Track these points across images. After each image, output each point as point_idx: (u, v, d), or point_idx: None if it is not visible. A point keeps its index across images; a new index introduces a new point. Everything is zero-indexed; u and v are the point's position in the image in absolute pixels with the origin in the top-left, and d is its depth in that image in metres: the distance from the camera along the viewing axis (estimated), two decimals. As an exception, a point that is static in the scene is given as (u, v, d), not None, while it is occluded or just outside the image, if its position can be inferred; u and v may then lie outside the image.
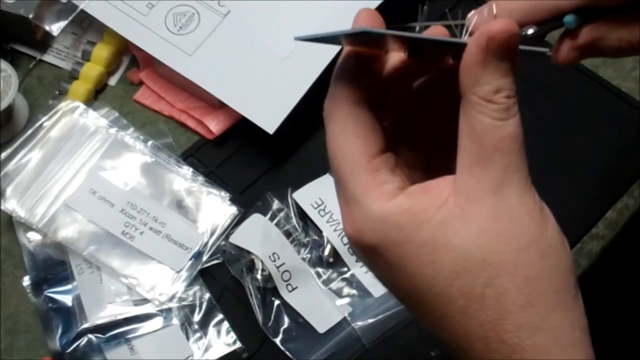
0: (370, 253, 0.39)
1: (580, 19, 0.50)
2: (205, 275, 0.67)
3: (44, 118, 0.73)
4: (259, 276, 0.65)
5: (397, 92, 0.42)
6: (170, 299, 0.66)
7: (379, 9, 0.74)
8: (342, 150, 0.38)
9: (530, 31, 0.48)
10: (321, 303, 0.66)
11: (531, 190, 0.37)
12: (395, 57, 0.41)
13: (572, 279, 0.38)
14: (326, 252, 0.67)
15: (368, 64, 0.40)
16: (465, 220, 0.36)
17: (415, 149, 0.43)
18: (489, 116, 0.36)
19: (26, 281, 0.68)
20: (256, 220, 0.68)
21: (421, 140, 0.43)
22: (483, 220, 0.36)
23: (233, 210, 0.69)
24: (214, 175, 0.72)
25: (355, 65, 0.40)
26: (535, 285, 0.36)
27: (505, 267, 0.36)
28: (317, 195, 0.68)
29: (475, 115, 0.37)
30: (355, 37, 0.39)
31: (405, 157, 0.42)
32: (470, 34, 0.42)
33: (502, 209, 0.36)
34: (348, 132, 0.38)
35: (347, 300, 0.66)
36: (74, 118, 0.73)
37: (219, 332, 0.65)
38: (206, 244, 0.68)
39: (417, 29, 0.42)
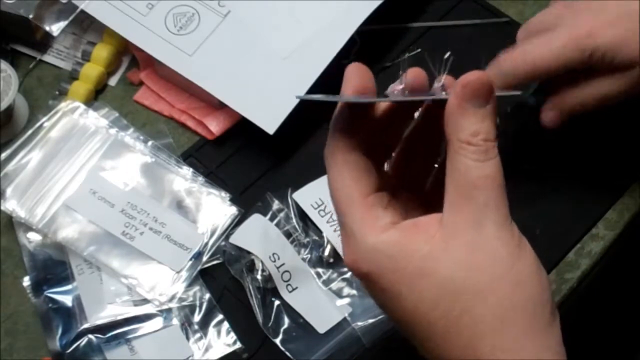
0: (366, 279, 0.43)
1: (541, 96, 0.58)
2: (205, 276, 0.67)
3: (44, 118, 0.73)
4: (259, 276, 0.65)
5: (392, 136, 0.48)
6: (171, 300, 0.66)
7: (379, 8, 0.74)
8: (340, 191, 0.44)
9: None
10: (321, 303, 0.66)
11: (510, 226, 0.42)
12: (384, 104, 0.47)
13: (547, 308, 0.41)
14: (326, 253, 0.67)
15: (361, 114, 0.45)
16: (448, 253, 0.41)
17: (414, 188, 0.48)
18: (469, 158, 0.41)
19: (26, 281, 0.68)
20: (256, 220, 0.68)
21: (417, 180, 0.49)
22: (463, 253, 0.41)
23: (233, 210, 0.69)
24: (214, 176, 0.72)
25: (349, 115, 0.45)
26: (509, 311, 0.40)
27: (480, 295, 0.40)
28: (317, 196, 0.68)
29: (457, 157, 0.42)
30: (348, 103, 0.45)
31: (406, 195, 0.47)
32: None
33: (480, 242, 0.41)
34: (344, 175, 0.44)
35: (347, 300, 0.66)
36: (74, 118, 0.73)
37: (219, 333, 0.65)
38: (206, 244, 0.68)
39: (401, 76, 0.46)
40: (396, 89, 0.46)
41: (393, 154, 0.49)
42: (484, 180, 0.41)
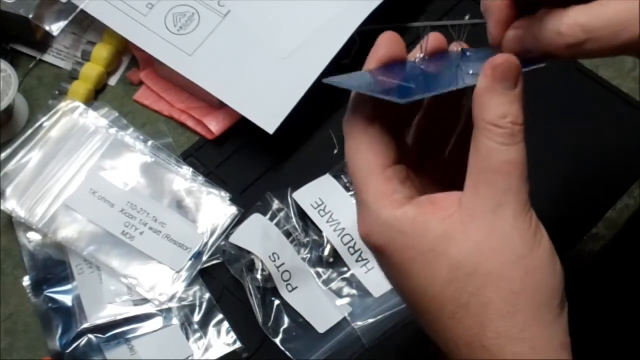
0: (378, 253, 0.43)
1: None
2: (205, 276, 0.67)
3: (44, 118, 0.73)
4: (259, 276, 0.65)
5: (413, 105, 0.46)
6: (171, 299, 0.66)
7: (379, 8, 0.74)
8: (358, 162, 0.43)
9: None
10: (321, 303, 0.66)
11: (528, 214, 0.41)
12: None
13: (557, 299, 0.41)
14: (326, 252, 0.67)
15: None
16: (464, 235, 0.40)
17: (433, 162, 0.47)
18: (494, 140, 0.40)
19: (26, 281, 0.68)
20: (256, 220, 0.68)
21: (436, 153, 0.48)
22: (478, 236, 0.40)
23: (233, 210, 0.69)
24: (214, 176, 0.72)
25: None
26: (518, 298, 0.40)
27: (491, 279, 0.40)
28: (317, 196, 0.68)
29: (482, 139, 0.41)
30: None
31: (424, 170, 0.46)
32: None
33: (497, 227, 0.40)
34: (363, 146, 0.43)
35: (347, 300, 0.66)
36: (74, 118, 0.73)
37: (219, 332, 0.65)
38: (206, 244, 0.68)
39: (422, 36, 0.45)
40: (416, 56, 0.46)
41: (414, 124, 0.48)
42: (507, 166, 0.40)
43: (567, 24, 0.41)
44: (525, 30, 0.44)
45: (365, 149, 0.43)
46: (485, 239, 0.40)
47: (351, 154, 0.44)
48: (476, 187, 0.41)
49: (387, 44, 0.44)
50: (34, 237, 0.69)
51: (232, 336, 0.65)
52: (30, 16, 0.75)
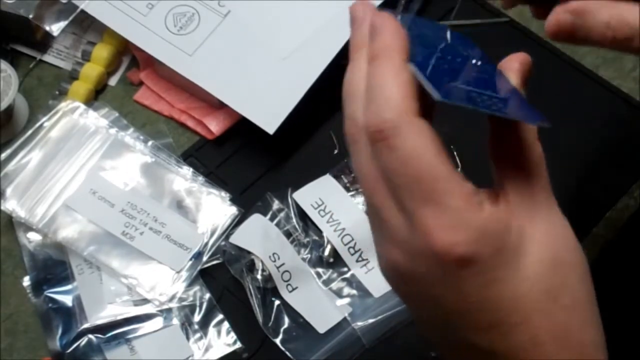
0: (460, 265, 0.38)
1: None
2: (205, 276, 0.67)
3: (44, 118, 0.73)
4: (259, 276, 0.65)
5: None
6: (171, 299, 0.66)
7: (380, 8, 0.74)
8: (432, 165, 0.37)
9: None
10: (321, 303, 0.66)
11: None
12: None
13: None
14: (326, 253, 0.67)
15: None
16: (534, 229, 0.39)
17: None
18: (533, 134, 0.40)
19: (26, 281, 0.68)
20: (256, 220, 0.68)
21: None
22: (547, 228, 0.40)
23: (233, 210, 0.69)
24: (214, 176, 0.72)
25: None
26: (589, 283, 0.41)
27: (570, 269, 0.40)
28: (317, 196, 0.68)
29: (524, 135, 0.40)
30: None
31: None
32: None
33: (555, 218, 0.41)
34: (434, 146, 0.37)
35: (347, 300, 0.66)
36: (74, 118, 0.73)
37: (219, 332, 0.65)
38: (206, 244, 0.68)
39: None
40: None
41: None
42: (542, 157, 0.41)
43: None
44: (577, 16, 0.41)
45: (437, 150, 0.37)
46: (552, 230, 0.40)
47: (414, 155, 0.37)
48: (527, 179, 0.40)
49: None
50: (34, 237, 0.69)
51: (232, 336, 0.65)
52: (30, 16, 0.75)
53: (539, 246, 0.39)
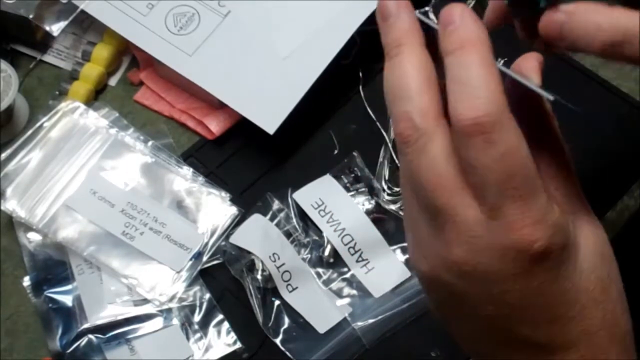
0: (538, 260, 0.39)
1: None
2: (205, 276, 0.67)
3: (44, 118, 0.73)
4: (259, 276, 0.65)
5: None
6: (171, 299, 0.66)
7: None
8: (526, 159, 0.38)
9: None
10: (321, 303, 0.66)
11: None
12: None
13: None
14: (326, 253, 0.67)
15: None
16: (579, 222, 0.42)
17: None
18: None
19: (26, 281, 0.68)
20: (256, 220, 0.68)
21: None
22: (586, 224, 0.43)
23: (233, 210, 0.69)
24: (214, 176, 0.72)
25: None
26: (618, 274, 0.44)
27: (610, 262, 0.43)
28: (317, 196, 0.68)
29: (561, 140, 0.44)
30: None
31: None
32: None
33: (588, 213, 0.44)
34: (524, 142, 0.38)
35: (347, 300, 0.66)
36: (74, 118, 0.73)
37: (219, 333, 0.65)
38: (206, 244, 0.68)
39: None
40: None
41: None
42: (571, 155, 0.44)
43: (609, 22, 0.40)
44: (569, 17, 0.41)
45: (527, 147, 0.38)
46: (593, 223, 0.43)
47: (512, 151, 0.37)
48: (567, 177, 0.43)
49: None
50: (34, 237, 0.69)
51: (232, 336, 0.65)
52: (30, 16, 0.75)
53: (586, 240, 0.41)
